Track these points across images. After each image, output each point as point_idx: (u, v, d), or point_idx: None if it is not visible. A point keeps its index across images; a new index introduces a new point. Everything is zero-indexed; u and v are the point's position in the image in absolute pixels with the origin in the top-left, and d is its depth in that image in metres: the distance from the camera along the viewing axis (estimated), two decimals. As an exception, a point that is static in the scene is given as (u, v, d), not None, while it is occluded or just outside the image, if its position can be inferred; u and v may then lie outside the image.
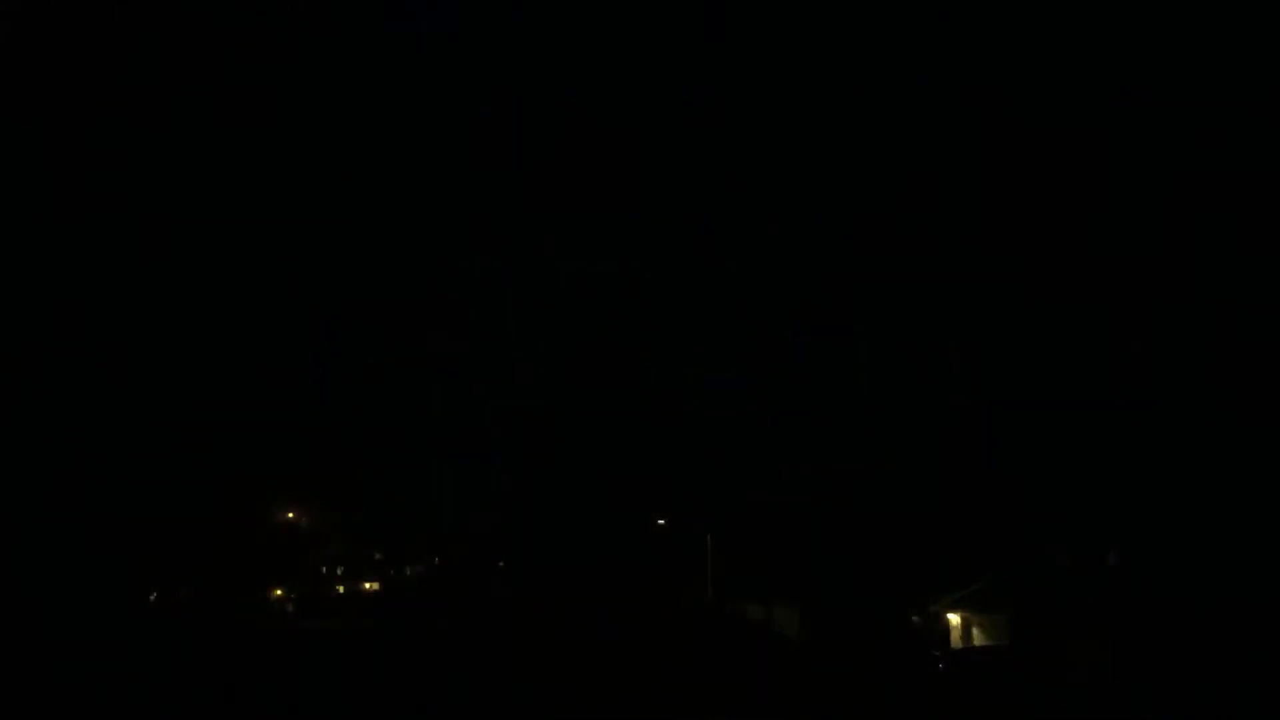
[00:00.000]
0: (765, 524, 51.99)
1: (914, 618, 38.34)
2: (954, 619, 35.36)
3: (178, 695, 29.03)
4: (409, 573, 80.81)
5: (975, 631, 34.81)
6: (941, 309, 56.42)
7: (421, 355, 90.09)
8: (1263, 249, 40.79)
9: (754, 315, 67.94)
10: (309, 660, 37.69)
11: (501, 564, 75.70)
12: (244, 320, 69.09)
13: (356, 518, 75.71)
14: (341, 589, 76.98)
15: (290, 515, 71.68)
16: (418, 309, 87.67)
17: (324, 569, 77.70)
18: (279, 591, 68.21)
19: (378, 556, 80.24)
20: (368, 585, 79.25)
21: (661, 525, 60.04)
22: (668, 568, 57.71)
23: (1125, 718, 25.62)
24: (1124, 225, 49.47)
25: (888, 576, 40.95)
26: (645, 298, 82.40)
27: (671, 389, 66.98)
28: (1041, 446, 45.03)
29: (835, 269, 68.02)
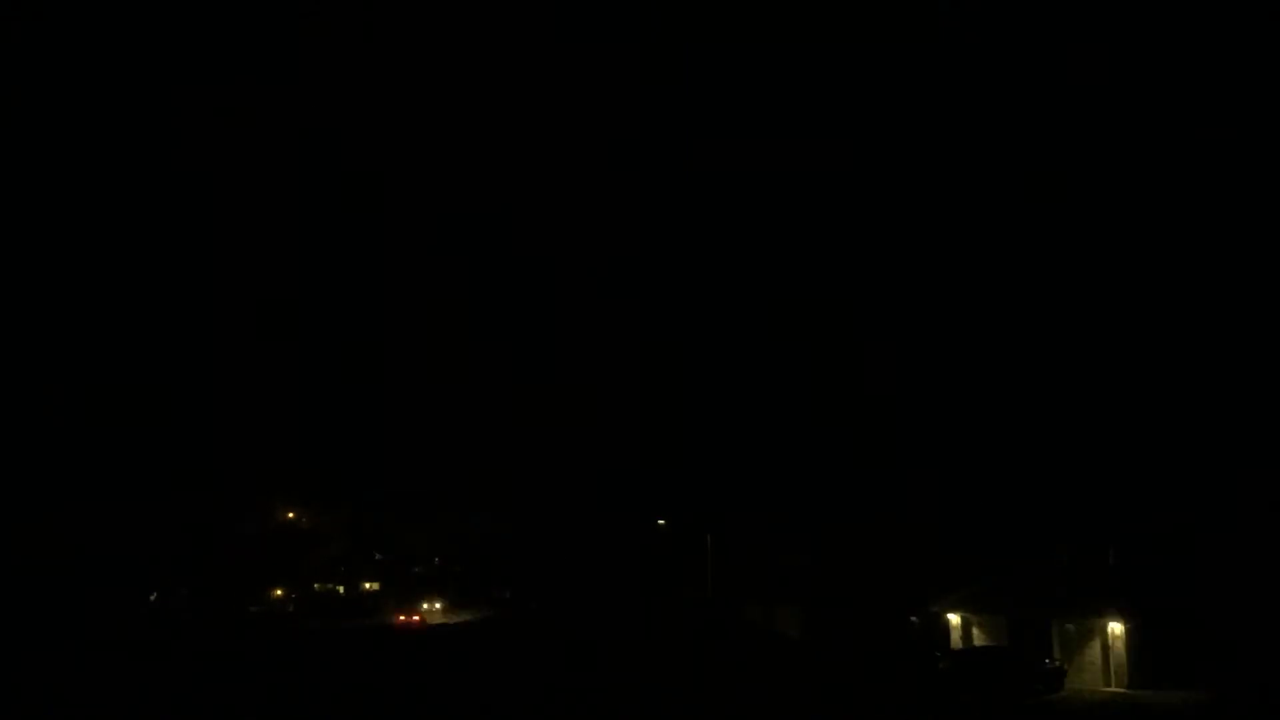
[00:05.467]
0: (766, 523, 51.99)
1: (914, 618, 38.32)
2: (954, 619, 35.35)
3: (178, 695, 29.05)
4: (410, 573, 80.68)
5: (975, 631, 34.80)
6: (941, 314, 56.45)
7: (424, 352, 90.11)
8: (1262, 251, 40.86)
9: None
10: (309, 660, 37.71)
11: (501, 564, 75.64)
12: (245, 317, 69.12)
13: (356, 518, 75.66)
14: (342, 589, 76.91)
15: (290, 515, 71.70)
16: (414, 302, 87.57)
17: (324, 569, 77.63)
18: (279, 592, 68.22)
19: (378, 556, 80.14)
20: (368, 585, 79.16)
21: (661, 525, 60.02)
22: (668, 568, 57.66)
23: (1124, 717, 25.64)
24: (1121, 226, 49.50)
25: (888, 576, 40.97)
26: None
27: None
28: (1042, 446, 45.09)
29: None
